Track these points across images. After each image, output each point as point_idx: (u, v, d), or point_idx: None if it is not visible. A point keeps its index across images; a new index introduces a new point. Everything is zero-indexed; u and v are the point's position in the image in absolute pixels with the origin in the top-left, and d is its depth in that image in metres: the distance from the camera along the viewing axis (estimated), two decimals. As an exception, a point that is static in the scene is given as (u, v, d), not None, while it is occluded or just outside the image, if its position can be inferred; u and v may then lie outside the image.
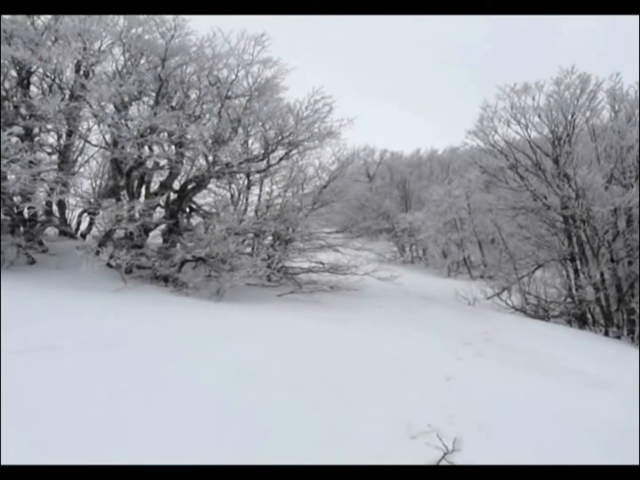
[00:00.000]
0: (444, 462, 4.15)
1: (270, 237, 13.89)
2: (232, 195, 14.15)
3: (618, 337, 13.62)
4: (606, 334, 13.91)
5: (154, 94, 11.95)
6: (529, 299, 15.91)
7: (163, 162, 12.12)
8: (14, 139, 10.62)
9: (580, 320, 14.65)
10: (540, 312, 15.42)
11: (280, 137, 13.04)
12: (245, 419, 4.50)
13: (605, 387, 7.12)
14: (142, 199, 12.14)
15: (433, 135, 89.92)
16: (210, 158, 12.32)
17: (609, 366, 9.33)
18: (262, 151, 13.24)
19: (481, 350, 8.80)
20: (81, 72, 11.46)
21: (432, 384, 6.19)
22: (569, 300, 15.21)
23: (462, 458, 4.25)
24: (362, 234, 18.22)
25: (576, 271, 15.04)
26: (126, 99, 11.45)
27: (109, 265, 10.58)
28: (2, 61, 10.41)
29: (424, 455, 4.22)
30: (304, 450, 4.08)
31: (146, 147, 11.56)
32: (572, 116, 15.26)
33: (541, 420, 5.43)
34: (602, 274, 14.17)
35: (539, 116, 15.53)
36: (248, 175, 13.94)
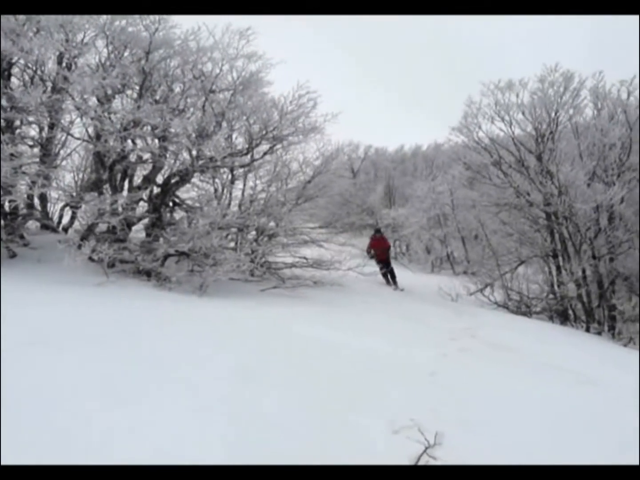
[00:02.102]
0: (425, 457, 4.14)
1: (253, 232, 13.84)
2: (215, 190, 14.09)
3: (599, 334, 13.73)
4: (587, 330, 14.03)
5: (137, 87, 11.86)
6: (511, 295, 15.99)
7: (146, 155, 12.04)
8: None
9: (562, 317, 14.75)
10: (523, 308, 15.50)
11: (264, 132, 12.99)
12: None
13: (589, 383, 7.16)
14: (125, 192, 12.04)
15: (419, 131, 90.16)
16: (194, 152, 12.25)
17: (591, 362, 9.39)
18: (246, 146, 13.18)
19: (465, 346, 8.82)
20: (63, 64, 11.34)
21: (416, 379, 6.19)
22: (551, 296, 15.31)
23: (444, 452, 4.25)
24: (346, 229, 18.21)
25: (558, 268, 15.15)
26: (109, 91, 11.36)
27: (91, 259, 10.50)
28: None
29: (406, 450, 4.21)
30: (285, 446, 4.06)
31: (129, 141, 11.47)
32: (556, 113, 15.37)
33: (524, 416, 5.45)
34: (583, 271, 14.27)
35: (523, 113, 15.63)
36: (232, 170, 13.89)
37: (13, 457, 3.37)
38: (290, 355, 6.52)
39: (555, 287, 15.13)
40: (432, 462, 4.11)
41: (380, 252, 18.02)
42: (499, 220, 17.57)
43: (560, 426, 5.26)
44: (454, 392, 5.91)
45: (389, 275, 17.58)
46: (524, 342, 10.15)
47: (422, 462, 4.08)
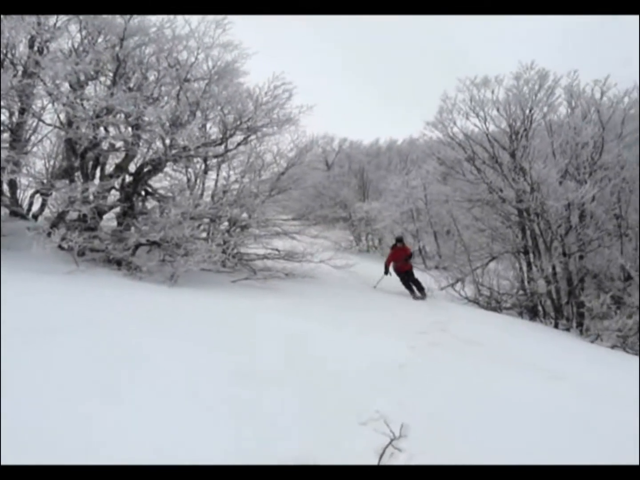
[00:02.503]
0: (390, 448, 4.15)
1: (226, 223, 13.79)
2: (188, 180, 14.02)
3: (567, 330, 13.88)
4: (556, 326, 14.18)
5: (111, 74, 11.74)
6: (482, 291, 16.10)
7: (119, 143, 11.90)
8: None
9: (532, 312, 14.88)
10: (493, 303, 15.62)
11: (238, 122, 12.93)
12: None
13: (554, 378, 7.22)
14: (96, 180, 11.91)
15: (394, 126, 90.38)
16: (168, 141, 12.17)
17: (558, 358, 9.48)
18: (220, 136, 13.12)
19: (434, 339, 8.86)
20: (35, 48, 11.15)
21: (385, 371, 6.20)
22: (521, 292, 15.44)
23: (409, 444, 4.26)
24: (318, 222, 18.20)
25: (529, 264, 15.28)
26: (82, 78, 11.23)
27: (60, 247, 10.40)
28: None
29: (373, 442, 4.21)
30: (249, 438, 4.04)
31: (102, 128, 11.35)
32: (530, 111, 15.50)
33: (490, 408, 5.47)
34: (554, 268, 14.41)
35: (498, 110, 15.73)
36: (205, 160, 13.83)
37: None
38: (263, 347, 6.49)
39: (526, 283, 15.25)
40: (397, 454, 4.12)
41: (402, 263, 15.47)
42: (472, 216, 17.66)
43: (524, 419, 5.30)
44: (422, 384, 5.94)
45: (413, 285, 15.27)
46: (493, 337, 10.22)
47: (387, 454, 4.09)
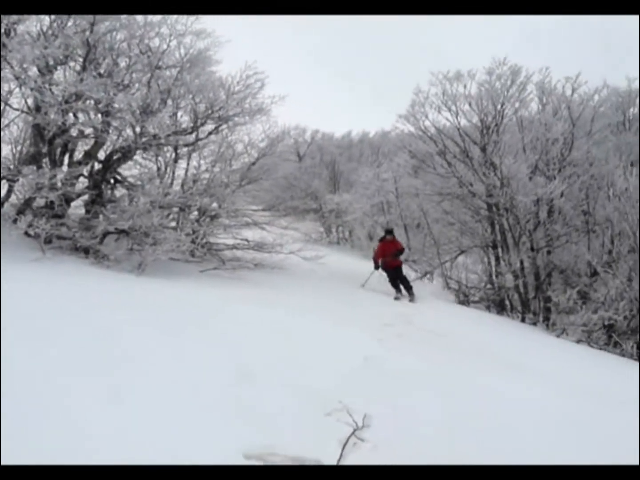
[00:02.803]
0: (353, 438, 4.18)
1: (195, 212, 13.71)
2: (158, 168, 13.87)
3: (534, 324, 14.02)
4: (523, 320, 14.31)
5: (81, 59, 11.54)
6: (450, 284, 16.18)
7: (88, 130, 11.75)
8: None
9: (499, 306, 15.01)
10: (461, 297, 15.71)
11: (210, 111, 12.84)
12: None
13: (517, 369, 7.32)
14: (64, 167, 11.74)
15: (367, 118, 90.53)
16: (138, 129, 12.04)
17: (522, 350, 9.60)
18: (191, 124, 13.02)
19: (401, 331, 8.94)
20: (2, 30, 10.93)
21: (351, 363, 6.22)
22: (489, 286, 15.56)
23: (371, 434, 4.29)
24: (289, 213, 18.18)
25: (497, 258, 15.39)
26: (51, 62, 11.03)
27: (27, 234, 10.25)
28: None
29: (337, 432, 4.23)
30: (212, 431, 4.02)
31: (71, 114, 11.19)
32: (502, 106, 15.57)
33: (454, 399, 5.53)
34: (521, 262, 14.53)
35: (470, 104, 15.77)
36: (176, 149, 13.71)
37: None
38: (232, 337, 6.46)
39: (494, 277, 15.37)
40: (360, 444, 4.13)
41: (391, 258, 14.51)
42: (442, 210, 17.73)
43: (485, 406, 5.38)
44: (387, 376, 5.97)
45: (400, 283, 14.37)
46: (459, 330, 10.31)
47: (350, 444, 4.10)
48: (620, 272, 13.22)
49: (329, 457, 3.83)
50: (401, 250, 14.90)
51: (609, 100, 20.43)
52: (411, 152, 18.14)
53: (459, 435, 4.57)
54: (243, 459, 3.65)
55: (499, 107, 15.58)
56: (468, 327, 11.01)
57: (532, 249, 14.67)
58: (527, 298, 14.77)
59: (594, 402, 6.32)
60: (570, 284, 14.56)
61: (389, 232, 15.20)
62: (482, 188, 15.12)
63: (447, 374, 6.51)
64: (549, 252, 14.78)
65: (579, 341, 12.62)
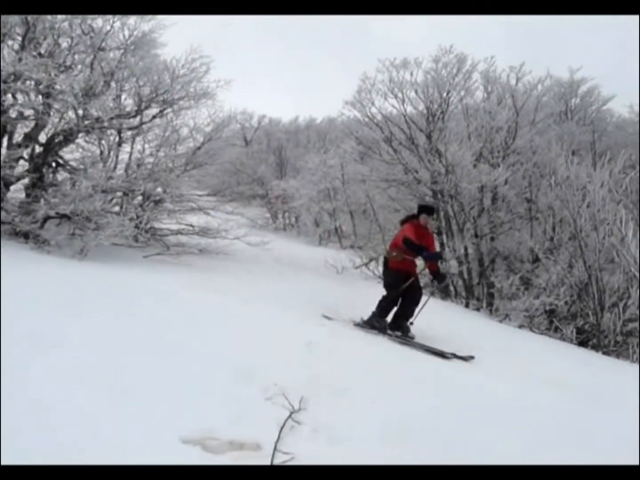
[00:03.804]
0: (290, 421, 4.21)
1: (139, 197, 13.49)
2: (101, 152, 13.58)
3: (477, 309, 14.23)
4: (467, 305, 14.50)
5: (19, 38, 11.20)
6: (395, 270, 16.26)
7: (28, 112, 11.40)
8: None
9: (443, 292, 15.16)
10: (406, 282, 15.80)
11: (154, 95, 12.61)
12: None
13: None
14: (3, 150, 11.42)
15: (314, 104, 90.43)
16: (80, 111, 11.74)
17: (465, 335, 9.74)
18: (135, 108, 12.77)
19: (344, 317, 8.98)
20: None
21: (293, 348, 6.23)
22: (434, 272, 15.70)
23: (308, 417, 4.34)
24: (235, 198, 18.05)
25: (442, 245, 15.52)
26: (-13, 41, 10.69)
27: (-37, 218, 9.95)
28: None
29: (277, 416, 4.25)
30: (148, 416, 3.96)
31: (9, 95, 10.86)
32: (448, 94, 15.72)
33: (394, 382, 5.60)
34: (466, 249, 14.74)
35: (416, 92, 15.88)
36: (119, 132, 13.44)
37: None
38: (180, 324, 6.38)
39: (438, 263, 15.53)
40: (297, 427, 4.18)
41: (411, 259, 9.03)
42: (388, 196, 17.82)
43: (425, 392, 5.47)
44: (329, 360, 6.02)
45: (407, 306, 8.81)
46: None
47: (287, 427, 4.13)
48: (561, 259, 13.52)
49: (268, 441, 3.81)
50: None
51: (552, 90, 20.81)
52: (358, 138, 18.17)
53: (395, 414, 4.65)
54: (181, 444, 3.64)
55: (444, 94, 15.72)
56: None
57: (476, 235, 14.90)
58: (471, 284, 15.00)
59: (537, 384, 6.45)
60: (513, 270, 14.83)
61: (429, 209, 9.24)
62: (428, 175, 15.24)
63: (389, 358, 6.57)
64: (492, 239, 15.03)
65: (521, 326, 12.88)
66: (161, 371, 4.77)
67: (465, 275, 14.97)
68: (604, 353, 12.06)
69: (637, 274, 12.15)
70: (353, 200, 25.83)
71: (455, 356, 7.32)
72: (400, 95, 15.97)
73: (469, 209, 15.01)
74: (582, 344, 12.85)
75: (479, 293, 14.94)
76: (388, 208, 18.17)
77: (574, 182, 13.43)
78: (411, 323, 8.66)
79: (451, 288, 15.39)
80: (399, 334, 8.45)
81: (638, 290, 12.24)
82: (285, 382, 4.86)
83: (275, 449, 3.74)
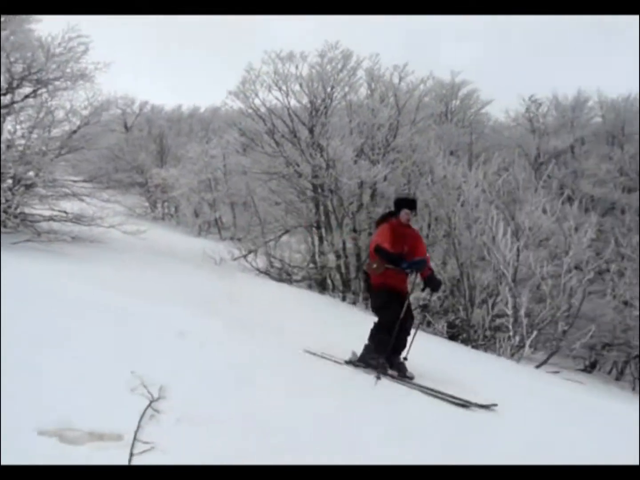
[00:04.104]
0: (150, 410, 4.11)
1: (9, 180, 12.83)
2: (-34, 131, 12.86)
3: (354, 303, 14.42)
4: (343, 299, 14.67)
5: None
6: (274, 263, 16.29)
7: None
8: None
9: (321, 286, 15.33)
10: (284, 275, 15.87)
11: (27, 73, 12.06)
12: None
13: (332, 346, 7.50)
14: None
15: (198, 93, 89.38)
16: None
17: (342, 328, 9.86)
18: (6, 86, 12.14)
19: (218, 308, 8.92)
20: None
21: (163, 338, 6.10)
22: (311, 265, 15.82)
23: (170, 406, 4.24)
24: (112, 185, 17.49)
25: (321, 238, 15.66)
26: None
27: None
28: None
29: (140, 406, 4.12)
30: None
31: None
32: (332, 89, 15.84)
33: (248, 369, 5.61)
34: (344, 243, 14.92)
35: (300, 85, 15.90)
36: (-13, 110, 12.76)
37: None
38: (59, 315, 6.10)
39: (317, 257, 15.65)
40: (162, 417, 4.07)
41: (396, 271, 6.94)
42: (269, 189, 17.78)
43: (298, 381, 5.50)
44: (198, 350, 5.95)
45: (397, 336, 6.72)
46: (279, 307, 10.42)
47: (147, 415, 4.04)
48: (435, 255, 13.91)
49: (129, 430, 3.70)
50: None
51: (434, 91, 21.43)
52: (241, 129, 18.01)
53: (249, 402, 4.71)
54: (37, 436, 3.49)
55: (328, 89, 15.82)
56: (289, 305, 11.16)
57: (354, 230, 15.10)
58: (348, 278, 15.21)
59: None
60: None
61: (411, 204, 7.32)
62: (309, 169, 15.30)
63: (246, 350, 6.56)
64: (370, 234, 15.24)
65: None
66: (18, 362, 4.53)
67: (343, 269, 15.15)
68: (473, 347, 12.54)
69: (506, 272, 12.69)
70: (234, 191, 25.67)
71: (477, 405, 5.77)
72: (284, 88, 15.95)
73: (348, 204, 15.20)
74: (453, 338, 13.33)
75: (355, 287, 15.15)
76: (269, 200, 18.13)
77: (450, 182, 13.87)
78: (405, 358, 6.80)
79: (329, 282, 15.55)
80: (394, 373, 6.62)
81: (507, 288, 12.79)
82: (150, 372, 4.73)
83: (135, 438, 3.62)
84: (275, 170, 16.56)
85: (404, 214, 6.99)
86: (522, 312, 12.54)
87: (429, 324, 13.29)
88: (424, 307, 13.09)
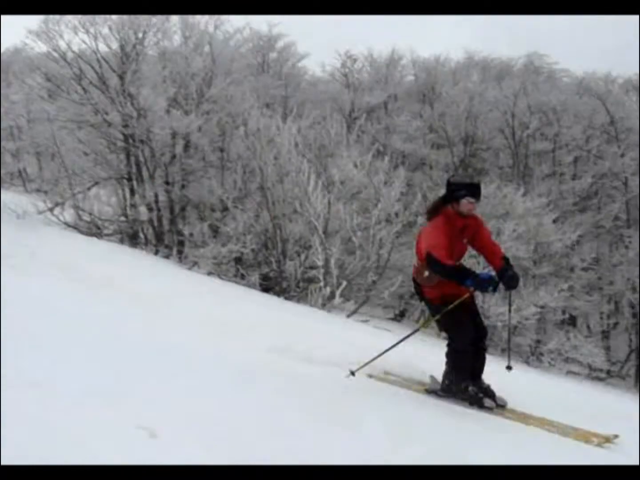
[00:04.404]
0: None
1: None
2: None
3: (167, 257, 14.19)
4: (156, 253, 14.38)
5: None
6: (82, 216, 15.58)
7: None
8: None
9: (133, 239, 14.93)
10: (94, 229, 15.27)
11: None
12: None
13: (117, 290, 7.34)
14: None
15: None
16: None
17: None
18: None
19: (25, 265, 8.40)
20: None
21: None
22: (123, 219, 15.34)
23: None
24: None
25: (132, 191, 15.19)
26: None
27: None
28: None
29: None
30: None
31: None
32: (143, 34, 15.21)
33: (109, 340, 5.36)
34: (156, 196, 14.58)
35: (110, 29, 15.06)
36: None
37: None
38: None
39: (128, 210, 15.17)
40: None
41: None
42: (77, 139, 16.89)
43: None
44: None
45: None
46: (87, 262, 10.02)
47: None
48: (248, 208, 13.94)
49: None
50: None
51: (251, 42, 21.24)
52: (45, 74, 16.88)
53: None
54: None
55: (140, 35, 15.19)
56: (96, 260, 10.78)
57: (167, 182, 14.78)
58: (162, 231, 14.94)
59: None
60: (203, 218, 14.99)
61: (475, 190, 5.22)
62: (119, 118, 14.71)
63: (77, 308, 6.27)
64: (183, 187, 15.03)
65: (209, 273, 13.08)
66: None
67: (156, 223, 14.84)
68: (286, 298, 12.74)
69: (317, 225, 12.96)
70: (39, 141, 24.22)
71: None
72: (92, 30, 15.05)
73: (160, 155, 14.84)
74: (267, 290, 13.46)
75: (169, 240, 14.89)
76: (77, 151, 17.21)
77: (264, 134, 13.85)
78: (509, 367, 5.35)
79: (141, 235, 15.16)
80: (492, 403, 5.15)
81: (318, 240, 13.06)
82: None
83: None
84: (84, 119, 15.74)
85: (466, 203, 5.11)
86: (332, 263, 12.89)
87: (242, 276, 13.34)
88: (238, 260, 13.11)
